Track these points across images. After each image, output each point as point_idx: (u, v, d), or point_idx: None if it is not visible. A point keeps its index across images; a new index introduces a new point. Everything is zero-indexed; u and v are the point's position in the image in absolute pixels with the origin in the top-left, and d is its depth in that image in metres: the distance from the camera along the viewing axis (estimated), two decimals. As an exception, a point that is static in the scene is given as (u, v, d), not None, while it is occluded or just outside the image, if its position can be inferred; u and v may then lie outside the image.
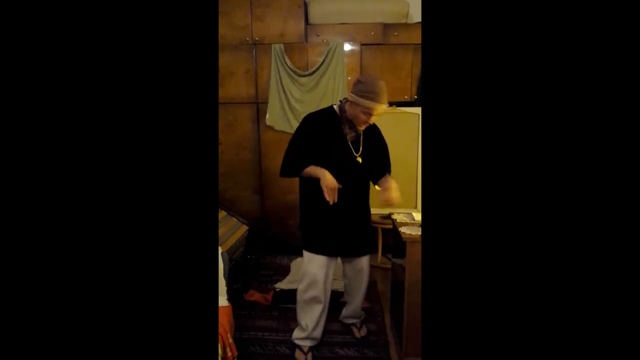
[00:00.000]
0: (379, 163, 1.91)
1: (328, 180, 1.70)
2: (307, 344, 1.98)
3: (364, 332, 2.17)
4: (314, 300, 1.91)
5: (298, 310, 1.98)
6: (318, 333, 1.98)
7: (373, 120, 1.75)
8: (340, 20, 3.09)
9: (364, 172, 1.86)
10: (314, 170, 1.76)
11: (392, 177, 1.90)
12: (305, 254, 1.90)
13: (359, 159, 1.81)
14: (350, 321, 2.20)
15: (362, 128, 1.79)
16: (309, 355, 1.96)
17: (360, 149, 1.83)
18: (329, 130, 1.81)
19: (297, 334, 2.00)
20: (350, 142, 1.81)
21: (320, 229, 1.87)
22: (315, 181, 1.74)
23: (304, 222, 1.92)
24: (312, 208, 1.88)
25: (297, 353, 1.97)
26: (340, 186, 1.72)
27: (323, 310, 1.94)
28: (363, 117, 1.72)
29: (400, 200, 1.79)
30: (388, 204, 1.79)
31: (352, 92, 1.70)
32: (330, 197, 1.69)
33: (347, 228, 1.87)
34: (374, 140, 1.90)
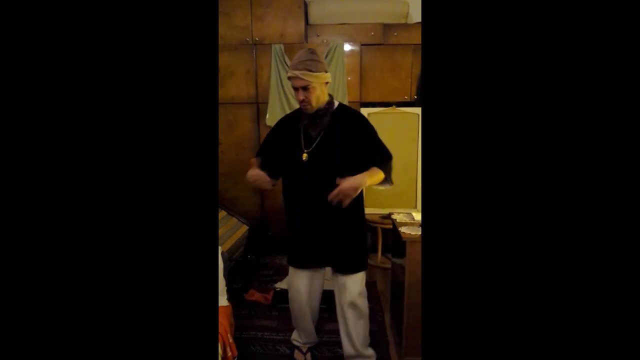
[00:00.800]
0: (359, 155, 1.60)
1: (254, 175, 1.60)
2: (305, 345, 2.00)
3: None
4: (299, 310, 1.86)
5: (292, 316, 1.96)
6: (313, 337, 1.98)
7: (306, 97, 1.54)
8: (340, 20, 3.09)
9: (316, 170, 1.59)
10: (248, 175, 1.64)
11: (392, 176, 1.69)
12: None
13: (305, 156, 1.60)
14: None
15: (307, 109, 1.58)
16: (308, 355, 1.97)
17: (314, 144, 1.60)
18: (288, 129, 1.70)
19: (294, 336, 2.02)
20: (308, 139, 1.63)
21: (292, 240, 1.77)
22: (286, 194, 1.71)
23: (289, 234, 1.81)
24: (287, 219, 1.77)
25: (296, 353, 1.99)
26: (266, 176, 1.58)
27: (312, 320, 1.91)
28: (297, 94, 1.56)
29: (344, 192, 1.46)
30: (330, 199, 1.48)
31: None
32: (257, 182, 1.58)
33: (315, 237, 1.67)
34: (346, 132, 1.62)
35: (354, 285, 1.70)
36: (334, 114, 1.65)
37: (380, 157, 1.63)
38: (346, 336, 1.77)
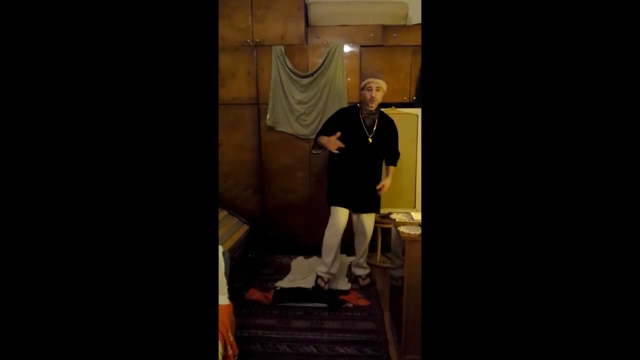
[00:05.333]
0: (388, 147, 2.57)
1: (326, 139, 2.45)
2: (327, 276, 2.66)
3: (366, 282, 2.77)
4: (335, 242, 2.59)
5: (323, 252, 2.65)
6: (335, 269, 2.66)
7: (375, 94, 2.39)
8: (340, 22, 3.10)
9: (374, 149, 2.51)
10: (321, 139, 2.51)
11: (393, 176, 2.57)
12: (332, 208, 2.60)
13: (370, 139, 2.48)
14: (357, 272, 2.80)
15: (372, 105, 2.43)
16: (327, 285, 2.67)
17: (373, 132, 2.50)
18: (350, 118, 2.52)
19: (320, 268, 2.68)
20: (367, 127, 2.50)
21: (341, 189, 2.58)
22: (336, 157, 2.48)
23: (330, 186, 2.66)
24: (336, 175, 2.62)
25: (319, 280, 2.66)
26: (339, 134, 2.41)
27: (338, 248, 2.63)
28: (366, 93, 2.41)
29: (386, 189, 2.54)
30: (378, 188, 2.53)
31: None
32: (333, 146, 2.39)
33: (360, 191, 2.54)
34: (388, 130, 2.56)
35: (369, 221, 2.67)
36: (380, 113, 2.54)
37: (396, 157, 2.65)
38: (355, 251, 2.79)
